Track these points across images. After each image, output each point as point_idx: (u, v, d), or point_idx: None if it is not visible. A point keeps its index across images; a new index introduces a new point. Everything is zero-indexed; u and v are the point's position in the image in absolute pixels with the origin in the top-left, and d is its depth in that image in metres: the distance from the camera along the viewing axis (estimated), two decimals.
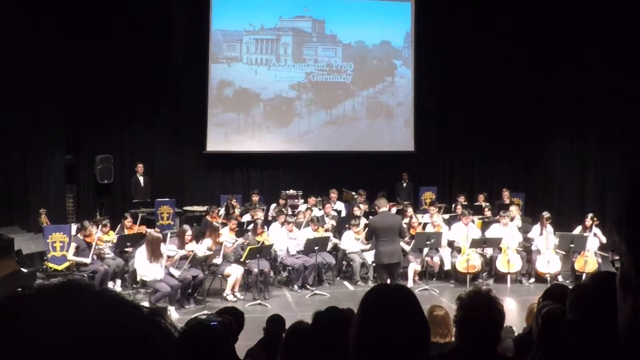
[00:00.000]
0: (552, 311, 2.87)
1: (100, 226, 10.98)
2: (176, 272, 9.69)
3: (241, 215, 12.69)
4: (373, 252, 10.39)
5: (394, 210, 12.58)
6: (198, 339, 3.20)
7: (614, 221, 0.88)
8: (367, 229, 10.70)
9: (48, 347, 0.59)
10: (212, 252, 10.24)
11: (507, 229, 11.57)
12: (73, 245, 10.55)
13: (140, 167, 14.76)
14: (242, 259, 10.34)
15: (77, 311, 0.63)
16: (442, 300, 9.92)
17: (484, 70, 15.79)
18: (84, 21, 14.05)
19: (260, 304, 10.05)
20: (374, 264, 10.79)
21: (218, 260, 10.34)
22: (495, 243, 11.36)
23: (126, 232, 11.43)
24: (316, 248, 10.74)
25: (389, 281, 9.34)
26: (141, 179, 14.76)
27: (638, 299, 0.84)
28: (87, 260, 10.28)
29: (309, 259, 10.88)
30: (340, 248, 11.76)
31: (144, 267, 9.41)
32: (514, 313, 9.09)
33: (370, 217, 11.42)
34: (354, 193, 14.40)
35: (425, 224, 11.98)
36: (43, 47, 13.00)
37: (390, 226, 9.55)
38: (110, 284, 10.58)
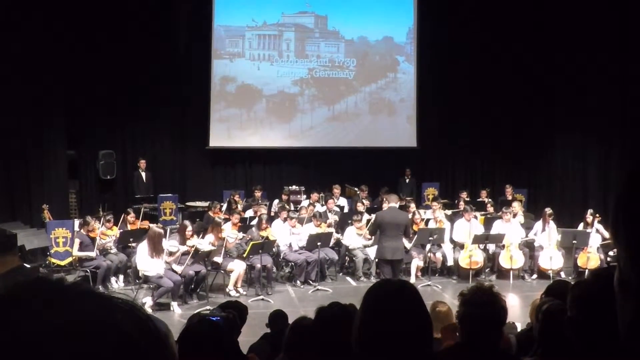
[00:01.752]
0: (552, 308, 2.88)
1: (103, 221, 10.99)
2: (178, 268, 9.69)
3: (244, 210, 12.70)
4: (375, 247, 10.38)
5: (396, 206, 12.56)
6: (201, 335, 3.21)
7: (610, 222, 0.81)
8: (371, 221, 10.66)
9: (18, 347, 0.58)
10: (215, 248, 10.25)
11: (510, 225, 11.55)
12: (77, 241, 10.55)
13: (142, 163, 14.78)
14: (244, 255, 10.35)
15: (47, 310, 0.61)
16: (444, 296, 9.94)
17: (487, 66, 15.74)
18: (87, 17, 14.04)
19: (263, 299, 10.07)
20: (376, 260, 10.79)
21: (219, 258, 10.34)
22: (498, 239, 11.36)
23: (129, 227, 11.45)
24: (319, 244, 10.75)
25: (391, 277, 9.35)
26: (143, 174, 14.78)
27: None
28: (93, 254, 10.29)
29: (312, 254, 10.89)
30: (343, 244, 11.77)
31: (145, 262, 9.43)
32: (517, 309, 9.10)
33: (373, 212, 11.41)
34: (356, 189, 14.40)
35: (427, 220, 11.98)
36: (45, 42, 13.00)
37: (397, 223, 9.53)
38: (113, 280, 10.62)
